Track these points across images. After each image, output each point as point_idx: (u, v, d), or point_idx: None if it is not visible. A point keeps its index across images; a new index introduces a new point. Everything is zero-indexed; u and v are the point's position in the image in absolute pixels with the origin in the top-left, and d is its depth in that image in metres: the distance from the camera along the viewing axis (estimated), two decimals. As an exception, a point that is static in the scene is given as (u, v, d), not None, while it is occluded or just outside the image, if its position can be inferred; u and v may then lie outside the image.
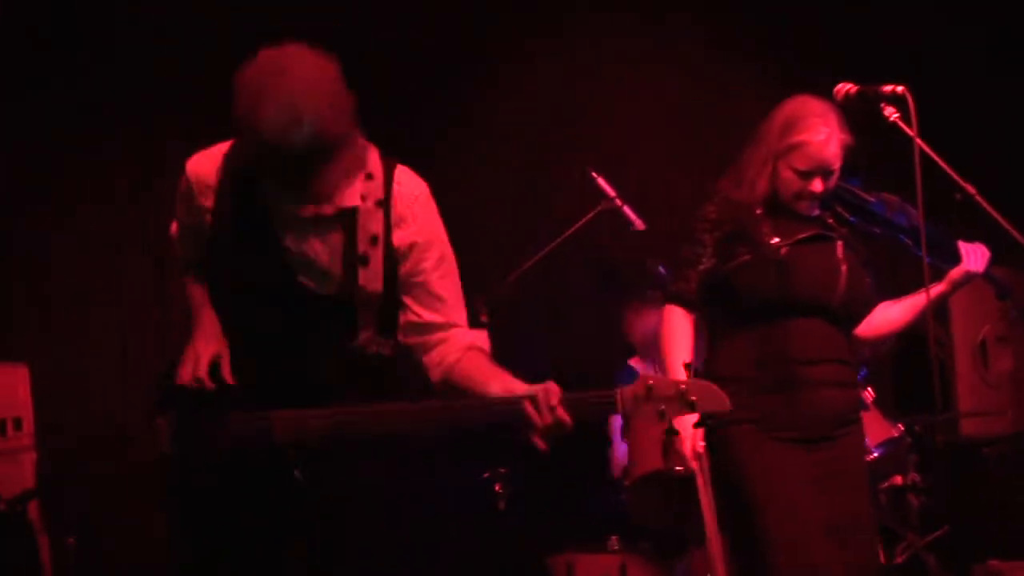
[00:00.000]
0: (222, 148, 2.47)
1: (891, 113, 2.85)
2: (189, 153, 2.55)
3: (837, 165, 3.02)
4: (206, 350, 2.48)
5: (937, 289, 3.13)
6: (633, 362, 4.81)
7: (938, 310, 4.08)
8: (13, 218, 4.87)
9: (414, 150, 5.17)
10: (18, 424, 4.48)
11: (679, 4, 5.34)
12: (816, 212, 3.09)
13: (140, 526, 4.34)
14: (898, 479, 4.30)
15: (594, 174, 4.54)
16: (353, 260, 2.43)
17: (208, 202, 2.45)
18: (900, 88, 2.82)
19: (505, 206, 5.40)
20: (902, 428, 4.20)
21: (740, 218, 3.03)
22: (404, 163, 2.65)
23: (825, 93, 3.04)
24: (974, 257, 3.14)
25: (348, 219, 2.44)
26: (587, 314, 5.06)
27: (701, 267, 3.05)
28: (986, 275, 3.17)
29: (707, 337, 3.22)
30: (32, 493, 4.29)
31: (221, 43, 4.61)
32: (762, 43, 5.31)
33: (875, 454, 4.09)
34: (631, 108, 5.34)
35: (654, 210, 4.85)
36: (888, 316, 3.24)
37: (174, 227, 2.66)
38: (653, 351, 4.69)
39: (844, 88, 2.94)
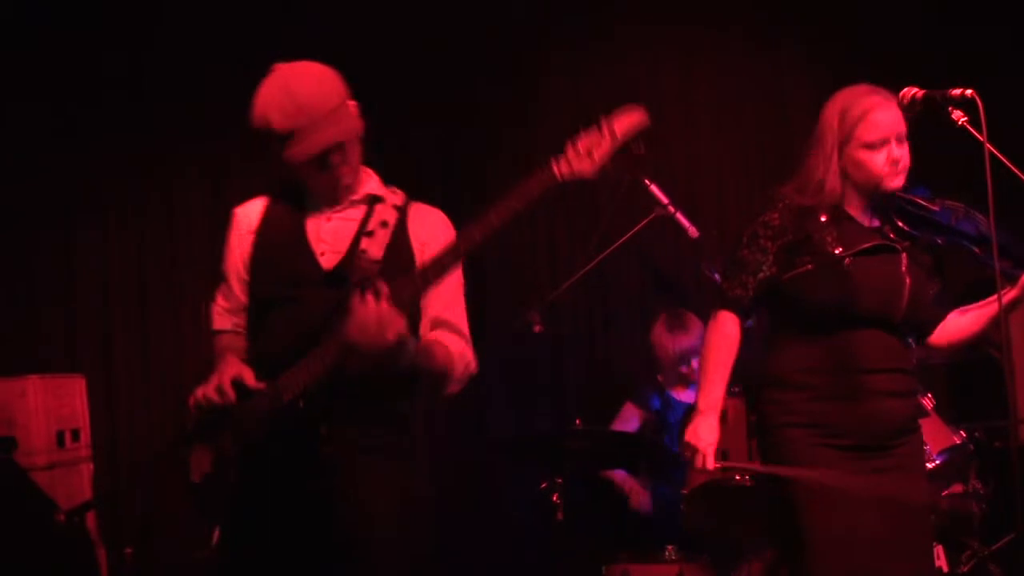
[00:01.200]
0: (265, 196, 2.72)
1: (960, 117, 2.82)
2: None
3: (905, 128, 2.99)
4: (227, 370, 2.56)
5: (1010, 295, 3.08)
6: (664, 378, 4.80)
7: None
8: (73, 231, 4.95)
9: (466, 159, 5.37)
10: (76, 435, 4.56)
11: (730, 8, 5.34)
12: (877, 221, 3.09)
13: (197, 536, 4.61)
14: (959, 487, 4.28)
15: (647, 181, 4.54)
16: (361, 234, 2.64)
17: (252, 228, 2.68)
18: (969, 92, 2.79)
19: (558, 214, 5.38)
20: (964, 435, 4.18)
21: (804, 225, 2.99)
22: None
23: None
24: None
25: (370, 204, 2.69)
26: (640, 322, 5.03)
27: (761, 275, 3.02)
28: None
29: (766, 339, 3.20)
30: (90, 504, 4.38)
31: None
32: (816, 47, 5.29)
33: (937, 461, 4.06)
34: (683, 114, 5.32)
35: (707, 217, 4.90)
36: (960, 324, 3.20)
37: (217, 303, 2.75)
38: (669, 377, 4.68)
39: (910, 92, 2.92)
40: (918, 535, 3.05)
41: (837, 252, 2.97)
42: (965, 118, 2.80)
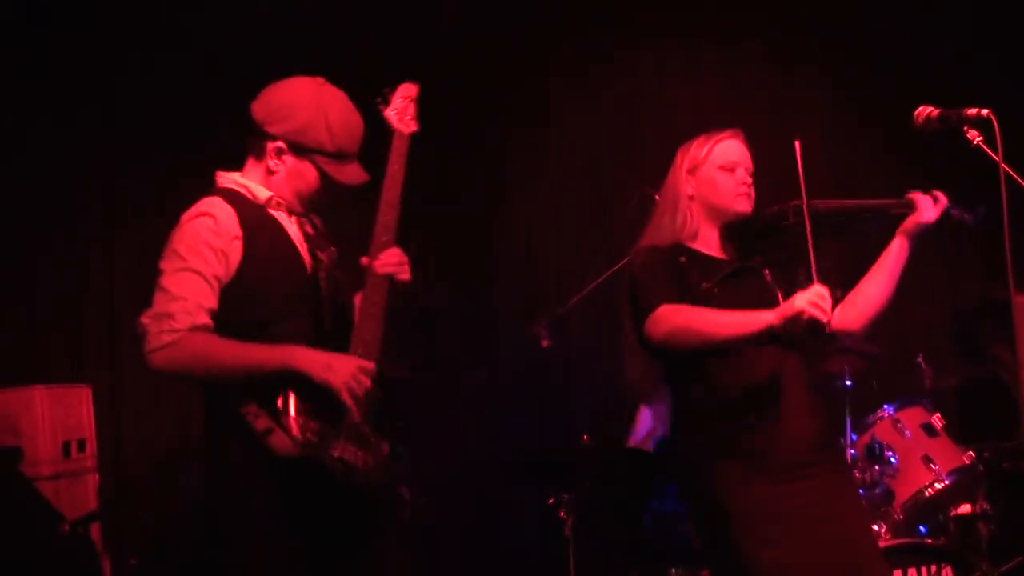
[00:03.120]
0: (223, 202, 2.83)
1: (975, 137, 2.83)
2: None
3: (753, 167, 3.15)
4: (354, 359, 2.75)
5: (898, 246, 3.09)
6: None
7: (1006, 335, 4.19)
8: (77, 238, 4.96)
9: (477, 174, 5.41)
10: (82, 446, 4.57)
11: (744, 26, 5.37)
12: (730, 252, 3.15)
13: (202, 547, 4.55)
14: (968, 507, 4.32)
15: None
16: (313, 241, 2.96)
17: (236, 234, 2.77)
18: (985, 111, 2.80)
19: (567, 229, 5.46)
20: (973, 455, 4.23)
21: (674, 262, 3.06)
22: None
23: (902, 116, 3.05)
24: (926, 206, 3.07)
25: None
26: None
27: (674, 294, 2.99)
28: (944, 216, 3.08)
29: (666, 380, 3.18)
30: (95, 515, 4.37)
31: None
32: (831, 64, 5.32)
33: (946, 482, 4.14)
34: (692, 126, 5.12)
35: None
36: (868, 296, 3.13)
37: (192, 289, 2.76)
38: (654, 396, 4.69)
39: (925, 111, 2.93)
40: (862, 552, 2.99)
41: (704, 286, 3.02)
42: (980, 138, 2.82)
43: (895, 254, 3.10)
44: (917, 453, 4.19)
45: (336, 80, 2.99)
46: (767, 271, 3.13)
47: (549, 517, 4.17)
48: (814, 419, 3.05)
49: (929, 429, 4.26)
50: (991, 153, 2.77)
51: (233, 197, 2.84)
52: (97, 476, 4.62)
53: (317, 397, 2.68)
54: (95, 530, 4.38)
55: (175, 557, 4.71)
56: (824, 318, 2.74)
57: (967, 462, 4.22)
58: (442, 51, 5.19)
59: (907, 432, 4.22)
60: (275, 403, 2.67)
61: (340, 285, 2.91)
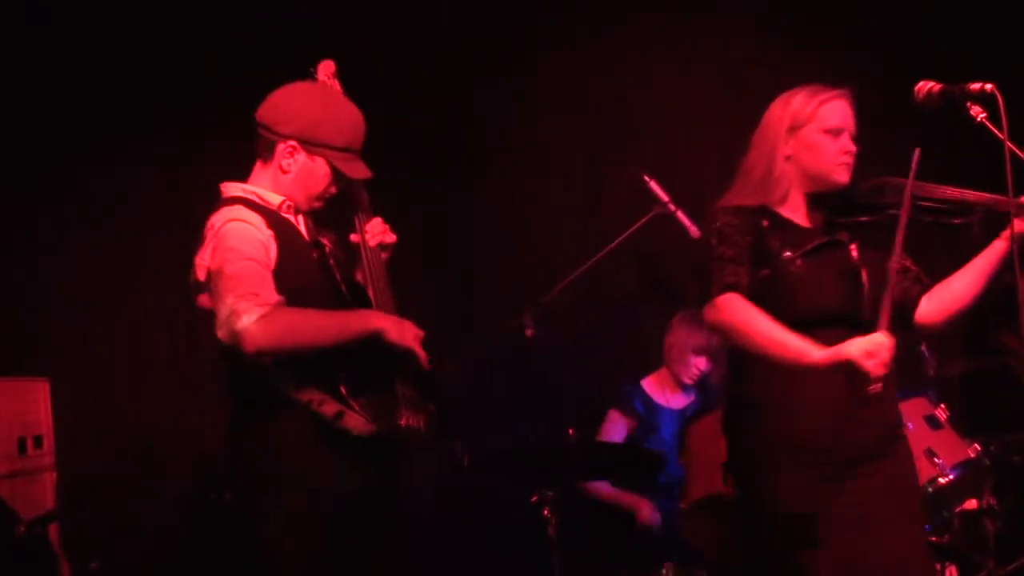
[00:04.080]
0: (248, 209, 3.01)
1: (978, 113, 2.82)
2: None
3: (856, 129, 3.05)
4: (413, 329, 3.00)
5: (997, 249, 3.03)
6: (648, 381, 4.87)
7: (1012, 319, 4.13)
8: (34, 230, 4.94)
9: (458, 156, 5.38)
10: (38, 442, 4.53)
11: (737, 2, 5.38)
12: (818, 221, 3.10)
13: (165, 549, 4.67)
14: (973, 503, 4.28)
15: (646, 178, 4.55)
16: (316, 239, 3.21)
17: (269, 234, 2.95)
18: (989, 86, 2.78)
19: (552, 213, 5.44)
20: (979, 448, 4.18)
21: (755, 226, 3.01)
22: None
23: (901, 95, 3.05)
24: None
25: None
26: (639, 327, 5.11)
27: (746, 266, 2.97)
28: None
29: (730, 357, 3.18)
30: (53, 515, 4.34)
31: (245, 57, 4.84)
32: (826, 43, 5.31)
33: (950, 476, 4.08)
34: (685, 109, 5.37)
35: None
36: (953, 292, 3.11)
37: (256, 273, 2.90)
38: (676, 363, 4.77)
39: (926, 86, 2.91)
40: (918, 556, 3.02)
41: (786, 256, 2.98)
42: (984, 114, 2.81)
43: (991, 256, 3.03)
44: (920, 446, 4.09)
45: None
46: (854, 247, 3.07)
47: (533, 515, 4.14)
48: (880, 407, 2.99)
49: (933, 421, 4.21)
50: (995, 130, 2.75)
51: (249, 204, 2.99)
52: (55, 474, 4.58)
53: (370, 370, 2.89)
54: (53, 531, 4.34)
55: (138, 560, 4.69)
56: (876, 372, 2.70)
57: (972, 456, 4.17)
58: (419, 27, 5.19)
59: (910, 424, 4.01)
60: (336, 386, 2.85)
61: (347, 267, 3.12)
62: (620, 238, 4.57)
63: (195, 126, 4.94)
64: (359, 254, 3.15)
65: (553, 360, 5.09)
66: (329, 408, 2.87)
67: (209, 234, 2.93)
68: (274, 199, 3.05)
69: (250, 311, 2.77)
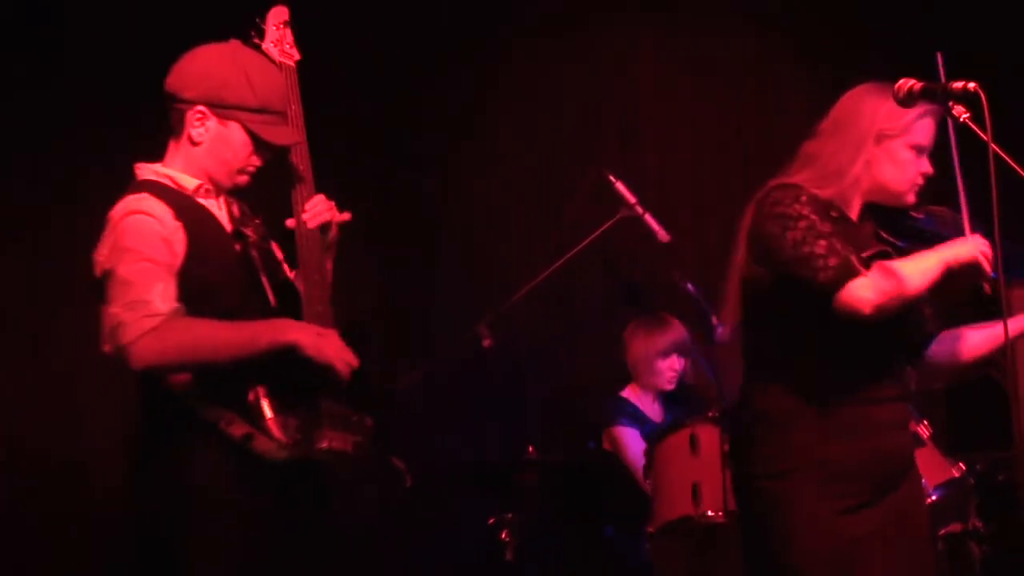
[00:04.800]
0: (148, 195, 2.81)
1: (961, 113, 2.74)
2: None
3: None
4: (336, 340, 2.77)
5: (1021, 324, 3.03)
6: (627, 393, 4.81)
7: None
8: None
9: (413, 151, 5.24)
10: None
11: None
12: (868, 227, 3.01)
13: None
14: (958, 526, 4.23)
15: (612, 178, 4.50)
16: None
17: (174, 225, 2.76)
18: (972, 85, 2.71)
19: (511, 214, 5.40)
20: (963, 467, 4.13)
21: (829, 217, 2.89)
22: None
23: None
24: None
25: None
26: (604, 336, 5.02)
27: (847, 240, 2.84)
28: None
29: (749, 365, 3.05)
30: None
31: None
32: (806, 36, 5.32)
33: (933, 497, 4.00)
34: (654, 106, 5.35)
35: (679, 220, 4.84)
36: (972, 343, 3.11)
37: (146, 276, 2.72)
38: (646, 376, 4.71)
39: (907, 84, 2.81)
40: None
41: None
42: (967, 114, 2.74)
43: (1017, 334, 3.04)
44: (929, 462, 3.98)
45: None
46: None
47: (489, 539, 4.12)
48: (905, 430, 2.99)
49: (914, 439, 3.83)
50: (979, 131, 2.68)
51: (159, 190, 2.80)
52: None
53: (288, 385, 2.70)
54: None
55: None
56: (989, 272, 2.75)
57: (957, 475, 4.11)
58: (379, 19, 5.16)
59: (924, 438, 4.07)
60: (246, 404, 2.67)
61: (275, 259, 2.94)
62: (584, 242, 4.53)
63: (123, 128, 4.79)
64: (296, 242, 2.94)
65: (513, 372, 5.21)
66: (238, 429, 2.68)
67: (107, 227, 2.75)
68: (189, 183, 2.84)
69: (137, 323, 2.61)
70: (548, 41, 5.39)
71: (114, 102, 4.83)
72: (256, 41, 3.03)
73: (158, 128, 2.90)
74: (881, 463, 2.91)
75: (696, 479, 3.99)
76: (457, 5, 5.32)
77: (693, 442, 4.04)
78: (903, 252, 2.95)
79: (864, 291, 2.74)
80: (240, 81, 2.83)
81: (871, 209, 3.00)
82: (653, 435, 4.35)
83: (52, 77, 4.91)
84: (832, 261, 2.76)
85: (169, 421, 2.74)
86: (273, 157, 2.90)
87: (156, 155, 2.88)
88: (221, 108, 2.82)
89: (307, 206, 2.91)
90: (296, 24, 3.09)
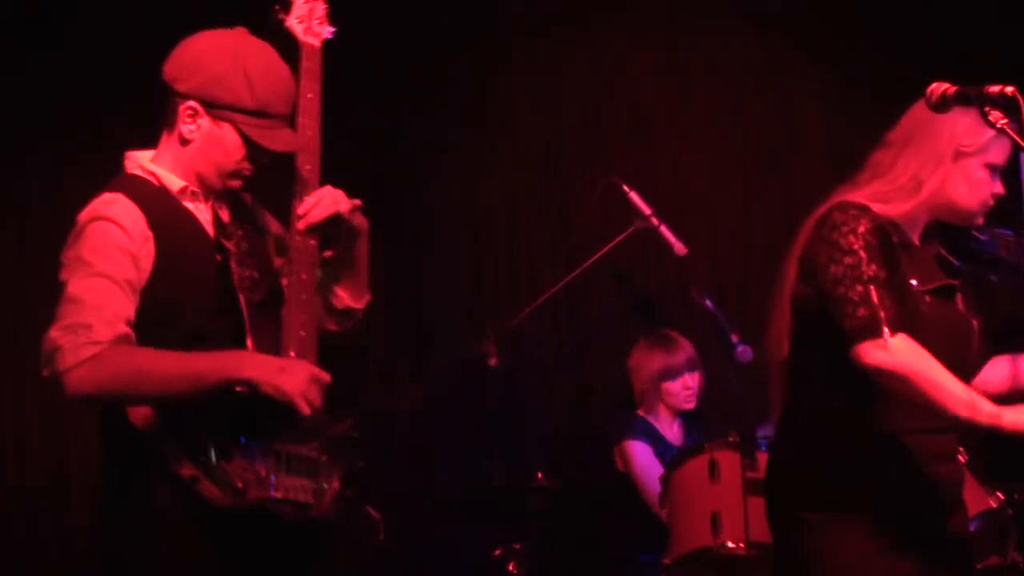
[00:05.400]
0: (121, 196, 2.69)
1: (998, 119, 2.67)
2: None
3: None
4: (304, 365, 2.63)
5: None
6: (643, 411, 4.73)
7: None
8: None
9: (410, 156, 5.10)
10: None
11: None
12: (930, 248, 2.96)
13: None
14: (996, 559, 4.10)
15: (626, 188, 4.49)
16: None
17: (146, 236, 2.64)
18: (1010, 89, 2.66)
19: (517, 226, 5.31)
20: (1001, 497, 4.06)
21: (893, 245, 2.84)
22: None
23: (906, 98, 2.95)
24: None
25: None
26: (616, 355, 4.88)
27: (895, 293, 2.77)
28: None
29: (798, 385, 2.97)
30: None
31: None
32: (825, 40, 5.27)
33: (970, 529, 3.73)
34: (670, 111, 5.28)
35: (697, 231, 4.80)
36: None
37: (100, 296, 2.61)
38: (651, 400, 4.65)
39: (940, 88, 2.76)
40: None
41: (914, 283, 2.84)
42: (1004, 120, 2.67)
43: None
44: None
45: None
46: (960, 295, 2.97)
47: (495, 571, 4.08)
48: (954, 462, 2.95)
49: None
50: (1016, 137, 2.66)
51: (139, 189, 2.69)
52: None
53: (245, 424, 2.56)
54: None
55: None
56: None
57: (994, 506, 4.03)
58: (379, 20, 5.05)
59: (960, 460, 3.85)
60: (196, 444, 2.54)
61: (258, 276, 2.76)
62: (596, 256, 4.52)
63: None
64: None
65: (520, 393, 5.12)
66: (186, 470, 2.53)
67: (74, 230, 2.63)
68: (175, 183, 2.70)
69: (74, 350, 2.48)
70: (553, 43, 5.33)
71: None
72: (280, 16, 2.84)
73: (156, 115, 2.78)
74: (929, 496, 2.85)
75: (716, 508, 3.90)
76: (459, 5, 5.25)
77: (712, 468, 3.95)
78: (960, 276, 2.94)
79: (874, 356, 2.70)
80: (237, 79, 2.67)
81: (937, 228, 2.96)
82: (671, 460, 4.28)
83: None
84: (861, 311, 2.72)
85: (127, 453, 2.63)
86: (270, 161, 2.75)
87: (152, 141, 2.76)
88: (214, 107, 2.68)
89: (301, 209, 2.73)
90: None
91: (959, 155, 2.88)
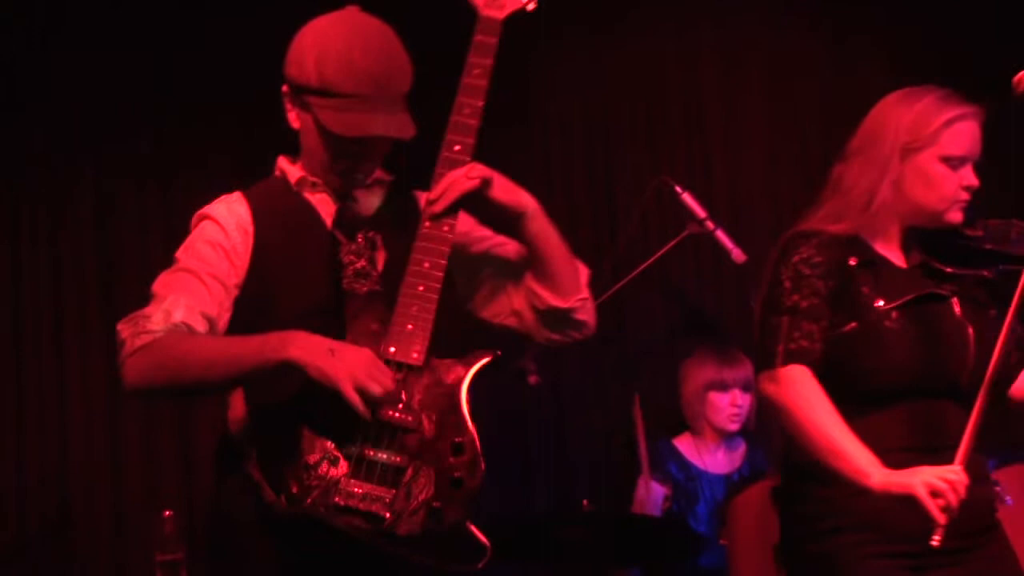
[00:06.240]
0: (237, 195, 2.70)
1: None
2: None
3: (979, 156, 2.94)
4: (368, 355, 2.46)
5: None
6: (681, 438, 4.63)
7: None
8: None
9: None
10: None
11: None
12: (916, 260, 2.94)
13: None
14: None
15: (678, 189, 4.42)
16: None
17: (246, 226, 2.62)
18: None
19: (565, 232, 5.06)
20: None
21: (842, 268, 2.84)
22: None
23: (980, 98, 2.90)
24: None
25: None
26: (667, 371, 4.80)
27: (824, 322, 2.80)
28: None
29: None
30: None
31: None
32: (892, 34, 5.20)
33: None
34: (724, 106, 5.21)
35: (758, 236, 4.64)
36: None
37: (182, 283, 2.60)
38: (699, 413, 4.58)
39: None
40: None
41: (878, 305, 2.82)
42: None
43: None
44: (1022, 525, 3.62)
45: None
46: (956, 300, 2.92)
47: None
48: (980, 482, 2.81)
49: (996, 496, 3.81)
50: None
51: (265, 186, 2.70)
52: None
53: (316, 418, 2.43)
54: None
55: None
56: (940, 519, 2.58)
57: None
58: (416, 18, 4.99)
59: (1007, 498, 3.88)
60: (265, 443, 2.46)
61: (369, 267, 2.62)
62: (644, 264, 4.48)
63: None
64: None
65: (562, 413, 5.06)
66: (255, 472, 2.46)
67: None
68: (294, 174, 2.67)
69: (130, 341, 2.50)
70: (600, 35, 5.24)
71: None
72: None
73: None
74: (962, 520, 2.71)
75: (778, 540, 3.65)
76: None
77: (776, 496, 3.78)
78: (954, 280, 2.92)
79: (763, 386, 2.79)
80: (310, 55, 2.56)
81: (918, 233, 2.94)
82: (731, 487, 4.21)
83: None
84: (767, 341, 2.80)
85: (222, 454, 2.63)
86: (370, 151, 2.61)
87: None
88: (294, 91, 2.60)
89: (434, 192, 2.57)
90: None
91: (907, 152, 2.84)
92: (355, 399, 2.35)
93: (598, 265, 4.62)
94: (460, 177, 2.56)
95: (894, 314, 2.80)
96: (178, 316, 2.50)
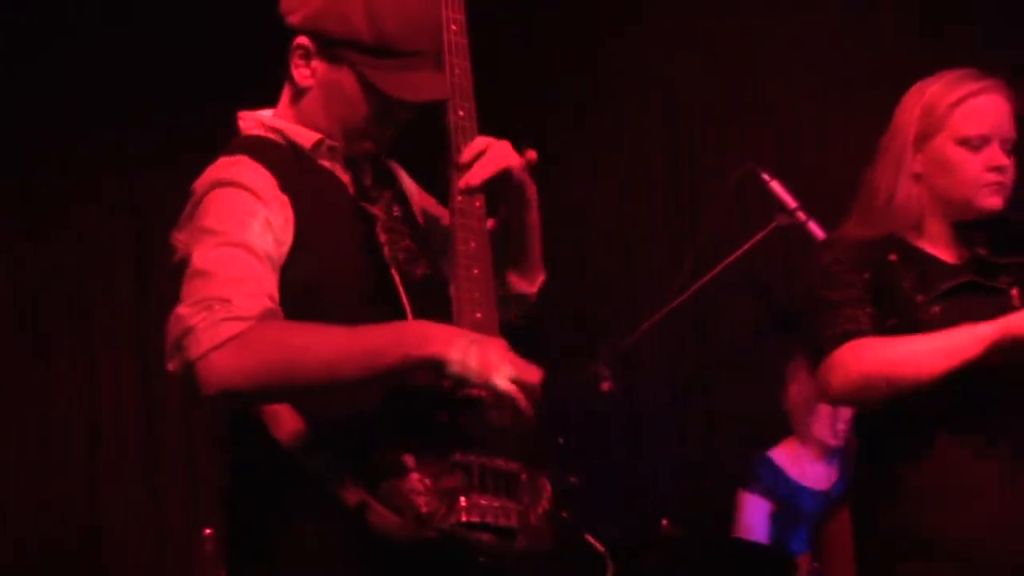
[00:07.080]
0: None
1: None
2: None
3: (1015, 136, 2.90)
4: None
5: None
6: (779, 450, 4.54)
7: None
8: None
9: (524, 143, 5.07)
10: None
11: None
12: (965, 253, 2.93)
13: None
14: None
15: (766, 177, 4.37)
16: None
17: (282, 199, 2.34)
18: None
19: (636, 224, 5.23)
20: None
21: (878, 261, 2.88)
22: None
23: None
24: None
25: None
26: (752, 376, 4.82)
27: (867, 308, 2.83)
28: None
29: (860, 426, 3.05)
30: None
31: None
32: (989, 19, 4.98)
33: None
34: (817, 89, 5.12)
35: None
36: None
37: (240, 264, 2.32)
38: (806, 424, 4.54)
39: None
40: None
41: (919, 300, 2.84)
42: None
43: None
44: None
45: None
46: (1015, 292, 2.89)
47: None
48: None
49: None
50: None
51: (264, 149, 2.38)
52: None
53: (419, 425, 2.22)
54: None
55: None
56: None
57: None
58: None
59: None
60: (362, 458, 2.20)
61: (415, 247, 2.47)
62: (729, 259, 4.43)
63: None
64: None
65: (638, 422, 5.06)
66: (352, 495, 2.17)
67: (190, 203, 2.30)
68: (307, 137, 2.39)
69: (212, 329, 2.12)
70: (678, 15, 5.18)
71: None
72: None
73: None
74: (1008, 535, 2.79)
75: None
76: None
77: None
78: (1010, 271, 2.92)
79: (827, 378, 2.81)
80: (356, 5, 2.33)
81: (966, 226, 2.94)
82: (824, 508, 4.15)
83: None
84: (815, 343, 2.87)
85: (266, 474, 2.30)
86: (411, 115, 2.40)
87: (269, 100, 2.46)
88: (326, 43, 2.34)
89: (465, 157, 2.37)
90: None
91: (920, 141, 2.85)
92: (517, 395, 2.15)
93: (678, 260, 4.67)
94: (502, 151, 2.38)
95: (935, 308, 2.80)
96: (265, 301, 2.22)
